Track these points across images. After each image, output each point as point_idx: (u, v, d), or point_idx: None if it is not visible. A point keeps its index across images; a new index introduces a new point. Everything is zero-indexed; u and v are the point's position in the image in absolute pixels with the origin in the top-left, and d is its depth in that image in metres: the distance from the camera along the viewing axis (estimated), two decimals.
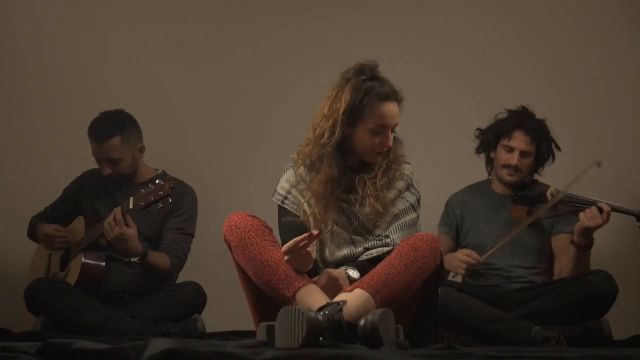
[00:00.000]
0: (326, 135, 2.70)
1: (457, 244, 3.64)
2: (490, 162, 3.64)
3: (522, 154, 3.49)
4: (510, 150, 3.50)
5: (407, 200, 2.79)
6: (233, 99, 4.34)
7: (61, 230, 3.56)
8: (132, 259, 3.37)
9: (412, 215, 2.78)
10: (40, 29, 4.32)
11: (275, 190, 2.86)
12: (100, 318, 3.23)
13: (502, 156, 3.52)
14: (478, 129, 3.64)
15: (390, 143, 2.73)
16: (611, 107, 4.22)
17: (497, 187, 3.61)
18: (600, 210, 3.26)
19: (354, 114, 2.68)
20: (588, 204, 3.32)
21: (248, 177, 4.13)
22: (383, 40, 4.30)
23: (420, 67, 4.28)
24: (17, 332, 3.26)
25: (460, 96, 4.22)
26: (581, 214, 3.28)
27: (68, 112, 4.20)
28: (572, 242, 3.35)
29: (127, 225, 3.29)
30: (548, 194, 3.42)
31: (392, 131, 2.74)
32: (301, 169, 2.80)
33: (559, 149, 3.57)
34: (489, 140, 3.58)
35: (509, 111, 3.58)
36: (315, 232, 2.50)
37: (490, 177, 3.66)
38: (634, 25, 4.24)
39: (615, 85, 4.24)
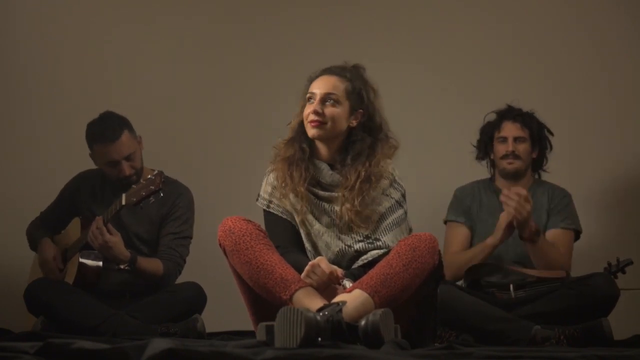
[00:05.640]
0: (292, 124, 2.84)
1: (473, 234, 3.63)
2: (493, 165, 3.73)
3: (516, 139, 3.58)
4: (504, 140, 3.61)
5: (392, 198, 2.79)
6: (232, 99, 4.33)
7: (58, 260, 3.53)
8: (122, 266, 3.37)
9: (399, 212, 2.79)
10: (39, 30, 4.32)
11: (259, 195, 2.86)
12: (100, 318, 3.23)
13: (499, 148, 3.63)
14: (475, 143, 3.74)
15: (318, 109, 2.73)
16: (611, 108, 4.22)
17: (501, 184, 3.66)
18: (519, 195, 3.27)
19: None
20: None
21: (247, 177, 4.10)
22: (384, 41, 4.30)
23: (420, 68, 4.29)
24: (17, 332, 3.26)
25: (460, 97, 4.22)
26: (508, 211, 3.28)
27: (68, 114, 4.19)
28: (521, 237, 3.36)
29: (109, 233, 3.29)
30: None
31: (326, 102, 2.75)
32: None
33: (552, 134, 3.66)
34: (485, 142, 3.70)
35: (496, 112, 3.70)
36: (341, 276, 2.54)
37: (493, 174, 3.73)
38: (633, 26, 4.24)
39: (615, 86, 4.24)
